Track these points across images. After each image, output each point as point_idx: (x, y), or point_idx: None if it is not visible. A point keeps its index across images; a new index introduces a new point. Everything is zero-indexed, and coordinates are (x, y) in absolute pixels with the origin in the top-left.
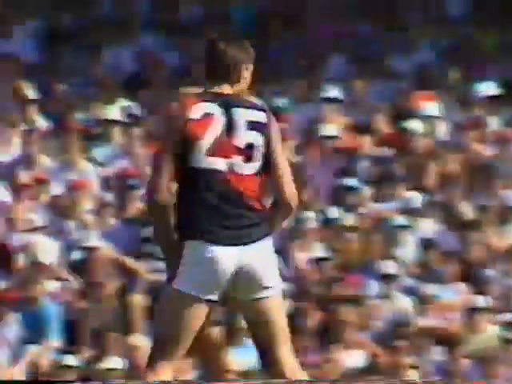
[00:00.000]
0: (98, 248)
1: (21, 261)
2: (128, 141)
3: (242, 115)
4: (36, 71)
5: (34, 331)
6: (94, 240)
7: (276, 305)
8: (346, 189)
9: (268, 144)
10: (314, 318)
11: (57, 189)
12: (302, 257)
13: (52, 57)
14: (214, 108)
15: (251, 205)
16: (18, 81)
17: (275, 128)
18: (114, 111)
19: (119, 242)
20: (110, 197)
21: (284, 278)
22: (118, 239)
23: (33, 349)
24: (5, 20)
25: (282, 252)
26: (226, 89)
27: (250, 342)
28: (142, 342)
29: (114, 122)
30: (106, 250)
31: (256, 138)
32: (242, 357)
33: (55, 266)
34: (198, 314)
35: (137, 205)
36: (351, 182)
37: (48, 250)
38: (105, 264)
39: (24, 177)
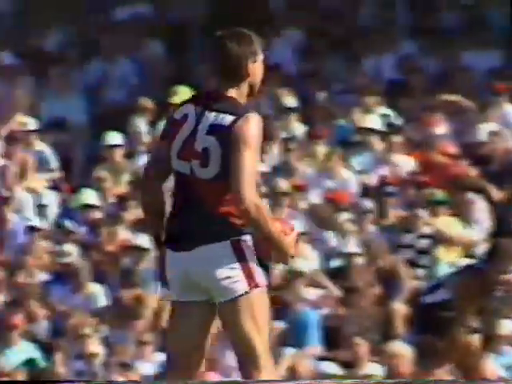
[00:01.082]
0: (358, 255)
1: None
2: (387, 149)
3: (209, 119)
4: (297, 80)
5: (295, 337)
6: (354, 247)
7: (230, 312)
8: None
9: (229, 148)
10: None
11: (315, 197)
12: None
13: (312, 66)
14: (191, 110)
15: (206, 211)
16: (279, 90)
17: (242, 133)
18: (373, 119)
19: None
20: (369, 204)
21: None
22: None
23: (292, 354)
24: (265, 32)
25: None
26: (228, 90)
27: (507, 349)
28: (401, 349)
29: (374, 131)
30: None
31: (212, 143)
32: (501, 363)
33: (315, 273)
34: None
35: (396, 212)
36: None
37: (307, 257)
38: (364, 271)
39: (283, 184)
